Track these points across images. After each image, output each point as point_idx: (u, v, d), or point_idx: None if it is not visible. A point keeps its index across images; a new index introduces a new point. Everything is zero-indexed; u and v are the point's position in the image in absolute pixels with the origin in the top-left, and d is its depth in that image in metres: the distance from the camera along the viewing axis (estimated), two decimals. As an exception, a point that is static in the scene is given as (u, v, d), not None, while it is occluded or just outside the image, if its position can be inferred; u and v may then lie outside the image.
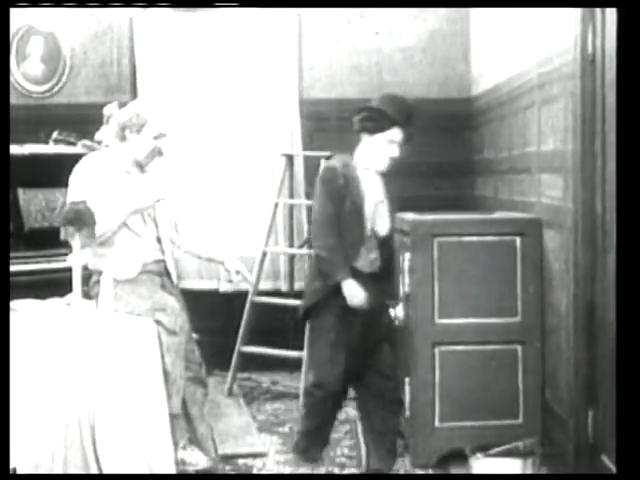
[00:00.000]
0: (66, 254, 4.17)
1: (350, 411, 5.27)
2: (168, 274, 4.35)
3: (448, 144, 6.17)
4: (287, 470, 4.34)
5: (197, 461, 4.17)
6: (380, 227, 3.97)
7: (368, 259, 3.94)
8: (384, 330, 4.04)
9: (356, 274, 3.87)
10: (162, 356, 3.94)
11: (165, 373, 3.94)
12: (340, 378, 3.91)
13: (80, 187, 4.11)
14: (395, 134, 3.90)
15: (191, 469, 4.15)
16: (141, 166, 4.26)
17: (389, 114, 3.88)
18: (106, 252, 4.13)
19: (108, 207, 4.07)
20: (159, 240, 4.28)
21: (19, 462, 3.35)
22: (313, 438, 4.08)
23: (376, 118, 3.90)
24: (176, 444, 4.04)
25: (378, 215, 3.96)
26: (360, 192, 3.91)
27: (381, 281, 4.00)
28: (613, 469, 3.43)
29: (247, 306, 5.71)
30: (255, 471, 4.34)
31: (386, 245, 4.02)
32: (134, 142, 4.18)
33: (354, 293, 3.83)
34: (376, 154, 3.93)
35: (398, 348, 4.21)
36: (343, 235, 3.86)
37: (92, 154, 4.35)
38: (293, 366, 5.78)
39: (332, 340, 3.90)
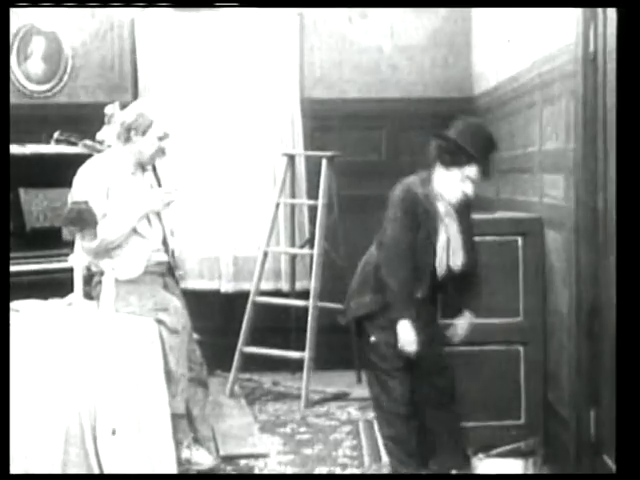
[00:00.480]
0: (67, 254, 4.17)
1: (352, 412, 5.27)
2: (171, 274, 4.35)
3: (450, 144, 6.16)
4: (289, 470, 4.34)
5: (202, 460, 4.17)
6: (453, 262, 3.80)
7: (424, 291, 3.79)
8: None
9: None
10: (165, 356, 3.94)
11: (168, 373, 3.94)
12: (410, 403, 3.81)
13: (86, 190, 4.10)
14: (472, 171, 3.67)
15: (196, 468, 4.15)
16: (143, 166, 4.26)
17: (468, 150, 3.66)
18: (109, 253, 4.13)
19: (118, 212, 4.06)
20: (164, 241, 4.28)
21: (19, 463, 3.35)
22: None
23: (454, 152, 3.68)
24: (180, 443, 4.05)
25: (451, 251, 3.80)
26: (436, 224, 3.75)
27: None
28: (614, 469, 3.42)
29: (248, 306, 5.71)
30: (257, 471, 4.34)
31: (458, 279, 3.85)
32: (139, 143, 4.18)
33: (407, 337, 3.69)
34: (450, 188, 3.72)
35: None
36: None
37: (96, 156, 4.34)
38: (295, 367, 5.78)
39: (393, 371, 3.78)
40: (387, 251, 3.76)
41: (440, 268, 3.79)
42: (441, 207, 3.77)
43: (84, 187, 4.12)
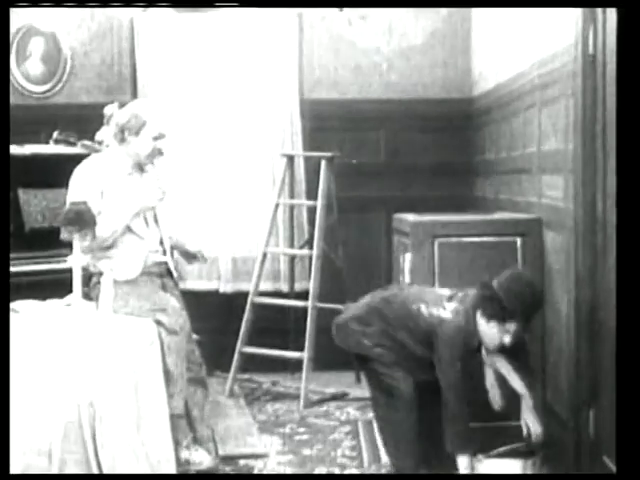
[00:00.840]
0: (66, 255, 4.17)
1: (351, 412, 5.27)
2: (170, 275, 4.35)
3: (448, 144, 6.17)
4: (288, 471, 4.34)
5: (201, 460, 4.17)
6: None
7: None
8: None
9: None
10: (163, 356, 3.95)
11: (167, 373, 3.95)
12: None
13: (81, 190, 4.11)
14: (512, 327, 3.61)
15: (195, 468, 4.15)
16: (141, 167, 4.26)
17: (511, 310, 3.58)
18: (107, 253, 4.13)
19: (112, 210, 4.07)
20: (161, 242, 4.28)
21: (18, 463, 3.35)
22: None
23: (496, 307, 3.61)
24: (179, 444, 4.05)
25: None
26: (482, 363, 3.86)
27: None
28: (614, 469, 3.43)
29: (247, 307, 5.71)
30: (256, 472, 4.34)
31: None
32: (133, 144, 4.18)
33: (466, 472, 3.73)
34: (488, 336, 3.69)
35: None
36: None
37: (92, 156, 4.35)
38: (294, 367, 5.78)
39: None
40: (451, 389, 3.73)
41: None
42: (484, 353, 3.81)
43: (79, 187, 4.12)
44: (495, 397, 3.92)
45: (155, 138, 4.19)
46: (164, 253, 4.29)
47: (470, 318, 3.71)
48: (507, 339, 3.64)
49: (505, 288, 3.61)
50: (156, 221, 4.28)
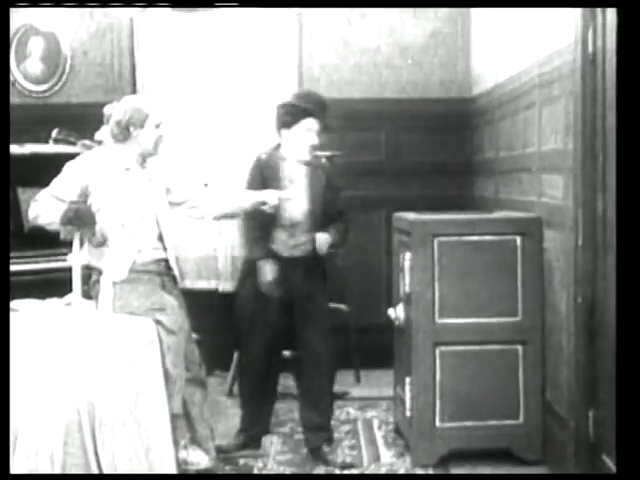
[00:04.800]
0: (66, 254, 4.17)
1: (351, 411, 5.27)
2: (169, 274, 4.34)
3: (448, 144, 6.18)
4: (288, 470, 4.34)
5: (198, 461, 4.16)
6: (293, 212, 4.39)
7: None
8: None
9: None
10: (162, 356, 3.94)
11: (165, 373, 3.94)
12: None
13: (61, 185, 4.11)
14: (310, 122, 4.34)
15: (193, 469, 4.14)
16: (144, 160, 4.27)
17: (303, 106, 4.34)
18: (104, 251, 4.12)
19: (112, 206, 4.08)
20: (161, 238, 4.27)
21: (19, 463, 3.35)
22: None
23: (291, 111, 4.34)
24: (177, 444, 4.04)
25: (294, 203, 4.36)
26: (280, 183, 4.37)
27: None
28: (614, 469, 3.43)
29: (247, 306, 5.69)
30: (256, 471, 4.34)
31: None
32: (140, 137, 4.19)
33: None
34: (296, 146, 4.37)
35: (396, 347, 4.22)
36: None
37: (82, 155, 4.34)
38: (293, 367, 5.76)
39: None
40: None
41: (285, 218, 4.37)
42: (287, 167, 4.39)
43: (59, 182, 4.12)
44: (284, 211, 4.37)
45: (157, 125, 4.23)
46: (164, 248, 4.28)
47: (273, 148, 4.44)
48: (312, 138, 4.35)
49: (294, 95, 4.55)
50: (155, 216, 4.26)
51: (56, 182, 4.13)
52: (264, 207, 4.31)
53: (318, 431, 4.45)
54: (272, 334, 4.42)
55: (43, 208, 4.07)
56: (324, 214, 4.41)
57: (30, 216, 4.11)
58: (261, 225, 4.36)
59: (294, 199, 4.32)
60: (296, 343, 4.51)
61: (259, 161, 4.46)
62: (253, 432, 4.57)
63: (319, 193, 4.41)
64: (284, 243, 4.38)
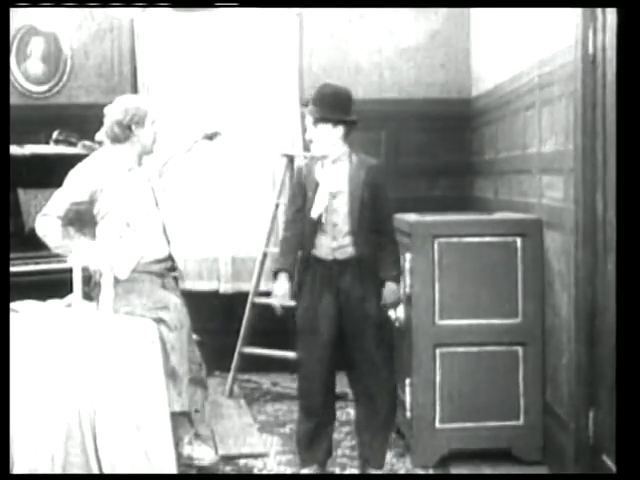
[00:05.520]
0: (66, 255, 4.17)
1: (351, 412, 5.27)
2: (171, 275, 4.33)
3: (448, 144, 6.17)
4: (288, 470, 4.34)
5: (203, 456, 4.17)
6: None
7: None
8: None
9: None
10: (167, 355, 3.94)
11: (172, 371, 3.94)
12: None
13: (77, 189, 4.11)
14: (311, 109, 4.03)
15: (197, 464, 4.15)
16: (141, 159, 4.27)
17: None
18: (105, 251, 4.12)
19: (119, 209, 4.09)
20: (164, 230, 4.27)
21: (20, 463, 3.35)
22: None
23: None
24: (181, 439, 4.05)
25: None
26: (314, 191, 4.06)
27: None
28: (614, 469, 3.43)
29: (248, 307, 5.71)
30: (256, 471, 4.34)
31: None
32: (141, 135, 4.21)
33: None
34: (315, 138, 4.06)
35: (396, 348, 4.22)
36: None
37: (89, 157, 4.35)
38: (293, 367, 5.77)
39: None
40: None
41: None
42: (317, 169, 4.05)
43: (74, 186, 4.12)
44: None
45: (153, 122, 4.25)
46: (168, 243, 4.28)
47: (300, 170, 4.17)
48: (310, 130, 4.00)
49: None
50: (157, 205, 4.27)
51: (64, 196, 4.11)
52: None
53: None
54: (324, 344, 4.06)
55: (53, 230, 4.07)
56: (369, 216, 4.03)
57: (38, 232, 4.12)
58: (295, 236, 4.08)
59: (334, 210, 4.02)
60: (347, 349, 4.13)
61: (299, 171, 4.17)
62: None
63: (357, 193, 4.02)
64: (326, 246, 4.04)
